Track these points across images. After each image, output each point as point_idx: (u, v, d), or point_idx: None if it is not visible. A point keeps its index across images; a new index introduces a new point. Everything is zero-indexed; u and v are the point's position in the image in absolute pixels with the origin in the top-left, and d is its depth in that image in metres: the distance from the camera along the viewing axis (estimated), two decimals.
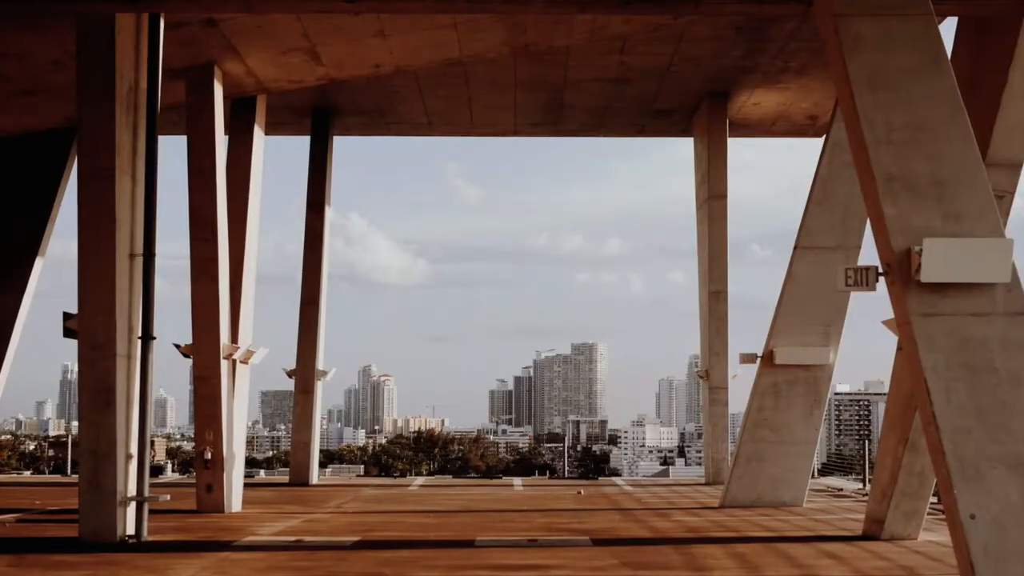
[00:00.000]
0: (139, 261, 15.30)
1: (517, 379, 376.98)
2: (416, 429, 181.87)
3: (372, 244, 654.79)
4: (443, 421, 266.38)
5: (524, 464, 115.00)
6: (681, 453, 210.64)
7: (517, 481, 30.98)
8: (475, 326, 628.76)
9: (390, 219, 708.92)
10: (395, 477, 45.20)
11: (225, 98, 19.80)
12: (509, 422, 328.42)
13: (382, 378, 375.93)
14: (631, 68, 23.77)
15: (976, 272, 10.75)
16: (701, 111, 26.91)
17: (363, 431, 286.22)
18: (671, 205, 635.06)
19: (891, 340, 14.20)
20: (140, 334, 15.28)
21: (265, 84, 20.14)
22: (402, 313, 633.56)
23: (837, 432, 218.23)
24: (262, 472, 38.83)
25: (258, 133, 21.57)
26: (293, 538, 15.30)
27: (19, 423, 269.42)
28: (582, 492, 24.73)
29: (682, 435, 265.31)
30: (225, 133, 20.47)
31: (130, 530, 14.87)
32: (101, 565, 12.84)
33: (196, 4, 15.54)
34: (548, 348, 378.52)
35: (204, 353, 19.11)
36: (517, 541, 15.02)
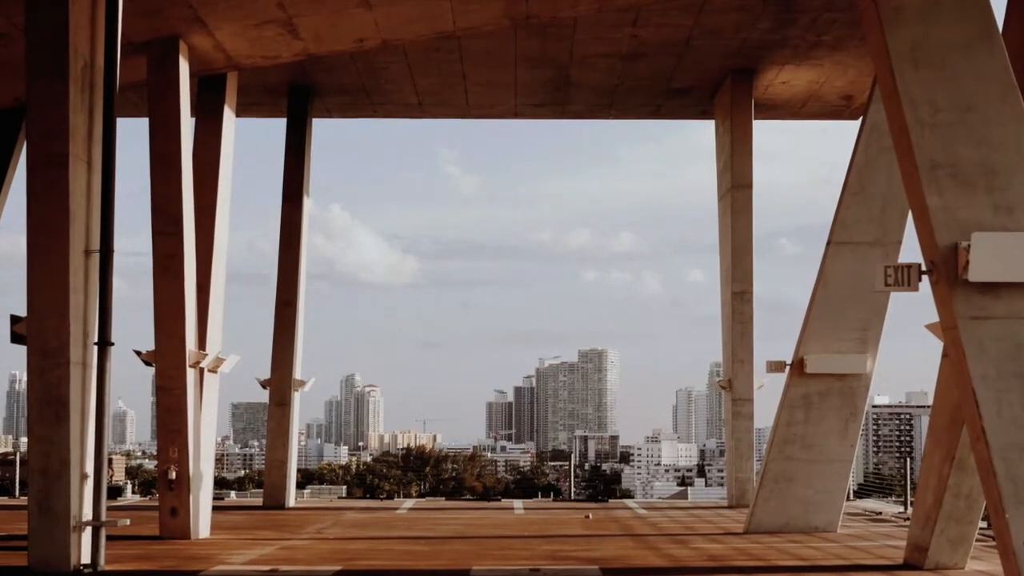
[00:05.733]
0: (95, 258, 15.29)
1: (518, 390, 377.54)
2: (405, 446, 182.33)
3: (356, 239, 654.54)
4: (435, 437, 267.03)
5: (526, 485, 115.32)
6: (701, 473, 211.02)
7: (518, 504, 30.99)
8: (471, 330, 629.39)
9: (376, 211, 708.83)
10: (381, 499, 45.25)
11: (191, 76, 19.80)
12: (509, 438, 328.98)
13: (367, 389, 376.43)
14: (645, 42, 23.78)
15: None
16: (723, 90, 26.93)
17: (346, 448, 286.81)
18: (690, 196, 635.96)
19: (936, 346, 14.22)
20: (96, 339, 15.27)
21: (236, 60, 20.15)
22: (389, 316, 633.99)
23: (875, 449, 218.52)
24: (233, 494, 38.88)
25: (228, 115, 21.58)
26: (267, 567, 15.30)
27: None
28: (590, 516, 24.76)
29: (702, 452, 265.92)
30: (191, 115, 20.47)
31: (85, 558, 14.85)
32: None
33: None
34: (552, 355, 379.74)
35: (168, 361, 19.11)
36: (518, 571, 15.03)
